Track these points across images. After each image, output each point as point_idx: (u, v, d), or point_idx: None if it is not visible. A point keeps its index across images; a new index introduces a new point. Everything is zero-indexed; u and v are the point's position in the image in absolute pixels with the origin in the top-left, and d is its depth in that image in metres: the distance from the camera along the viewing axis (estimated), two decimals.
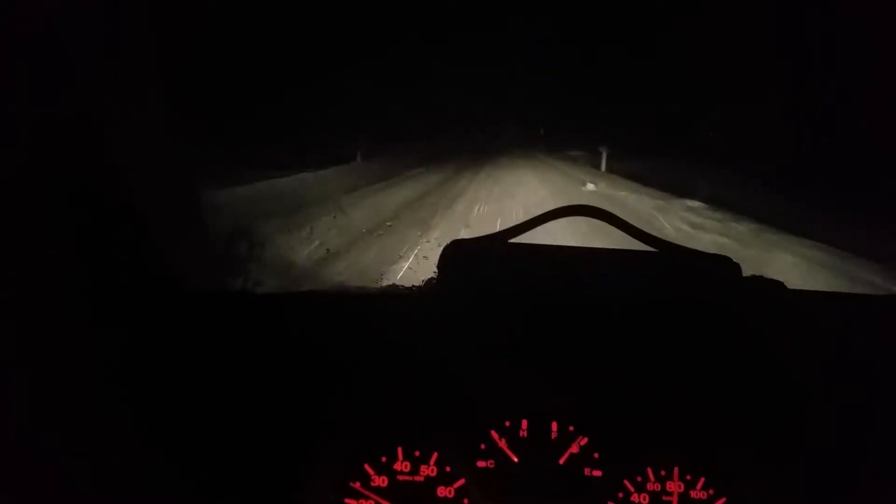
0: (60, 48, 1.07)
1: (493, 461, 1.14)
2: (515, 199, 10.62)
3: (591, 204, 1.33)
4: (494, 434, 1.15)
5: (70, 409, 1.09)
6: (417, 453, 1.15)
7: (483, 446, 1.15)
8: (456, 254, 1.26)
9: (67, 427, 1.08)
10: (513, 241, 1.31)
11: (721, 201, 9.11)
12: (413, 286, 1.38)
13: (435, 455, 1.15)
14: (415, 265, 5.64)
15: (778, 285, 1.25)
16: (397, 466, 1.15)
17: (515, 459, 1.15)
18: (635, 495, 1.14)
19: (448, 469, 1.14)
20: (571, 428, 1.15)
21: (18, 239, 1.07)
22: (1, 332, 1.05)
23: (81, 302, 1.14)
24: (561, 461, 1.14)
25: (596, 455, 1.14)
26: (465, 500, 1.14)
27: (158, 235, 1.24)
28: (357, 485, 1.14)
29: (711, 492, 1.14)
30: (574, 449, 1.15)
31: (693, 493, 1.14)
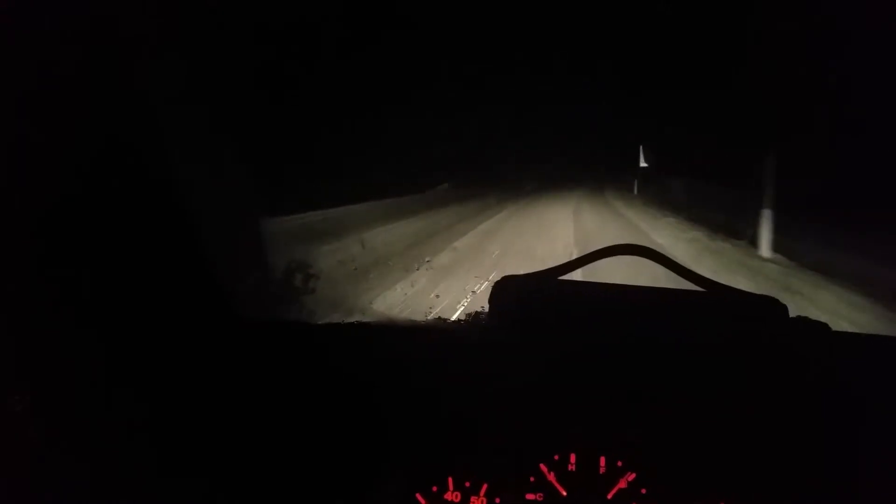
0: (143, 100, 1.16)
1: (542, 494, 1.15)
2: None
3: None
4: (543, 467, 1.16)
5: (136, 437, 1.14)
6: (468, 484, 1.17)
7: (532, 479, 1.16)
8: (506, 289, 1.30)
9: (134, 458, 1.13)
10: (562, 278, 1.33)
11: None
12: (461, 319, 1.41)
13: (485, 486, 1.17)
14: (464, 300, 5.68)
15: (823, 327, 1.25)
16: (448, 496, 1.17)
17: (564, 493, 1.15)
18: None
19: (498, 500, 1.16)
20: (620, 463, 1.16)
21: (86, 269, 1.14)
22: (66, 357, 1.12)
23: (145, 331, 1.21)
24: (609, 496, 1.15)
25: (643, 491, 1.14)
26: None
27: (221, 268, 1.31)
28: None
29: None
30: (622, 484, 1.15)
31: None
